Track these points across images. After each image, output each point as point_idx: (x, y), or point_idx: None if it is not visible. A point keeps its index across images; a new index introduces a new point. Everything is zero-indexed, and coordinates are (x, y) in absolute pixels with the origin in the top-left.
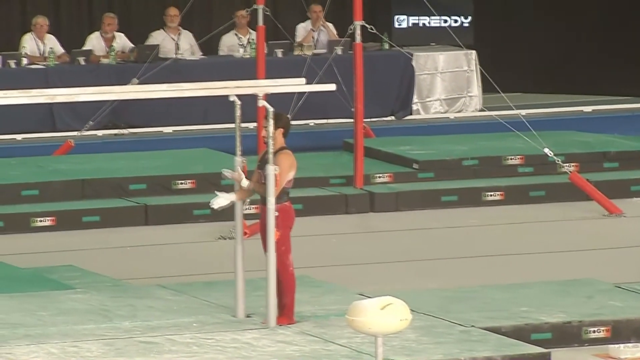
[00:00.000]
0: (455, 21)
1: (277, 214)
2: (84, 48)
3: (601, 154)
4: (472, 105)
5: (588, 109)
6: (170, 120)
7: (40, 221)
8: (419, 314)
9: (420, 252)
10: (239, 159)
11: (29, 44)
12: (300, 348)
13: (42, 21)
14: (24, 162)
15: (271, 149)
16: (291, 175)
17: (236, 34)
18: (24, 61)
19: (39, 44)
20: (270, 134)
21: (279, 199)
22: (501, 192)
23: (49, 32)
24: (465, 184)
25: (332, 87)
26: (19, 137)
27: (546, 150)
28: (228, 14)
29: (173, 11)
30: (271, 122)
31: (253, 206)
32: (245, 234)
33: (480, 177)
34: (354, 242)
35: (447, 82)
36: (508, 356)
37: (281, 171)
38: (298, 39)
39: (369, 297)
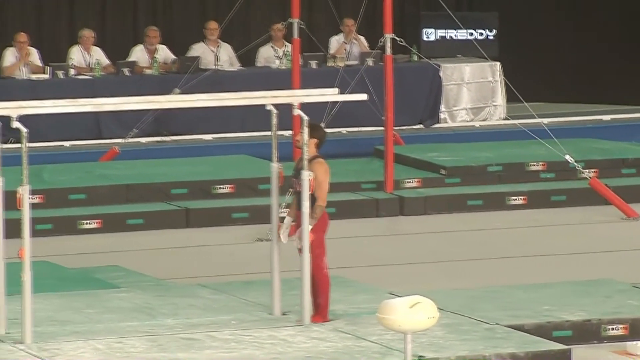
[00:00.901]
0: (481, 34)
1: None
2: (129, 59)
3: (619, 160)
4: (496, 114)
5: (607, 117)
6: (210, 128)
7: (87, 224)
8: (446, 312)
9: (447, 254)
10: (275, 165)
11: (76, 55)
12: (334, 344)
13: (88, 34)
14: (72, 167)
15: (305, 156)
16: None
17: (273, 46)
18: (72, 72)
19: (85, 56)
20: (305, 142)
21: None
22: (524, 197)
23: (95, 45)
24: (490, 189)
25: (363, 96)
26: (67, 144)
27: (567, 157)
28: (265, 27)
29: (213, 25)
30: (306, 130)
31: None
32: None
33: (504, 183)
34: (385, 244)
35: (473, 92)
36: (531, 353)
37: (320, 180)
38: (331, 51)
39: (399, 296)
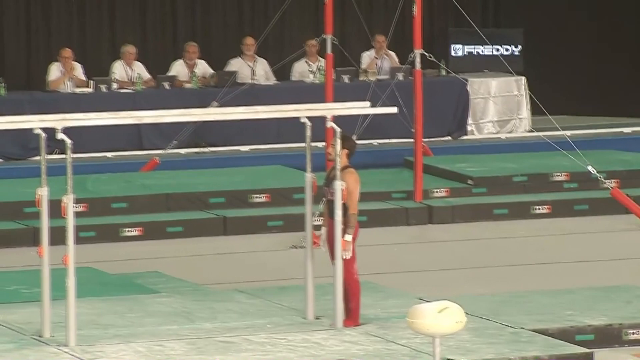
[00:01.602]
0: (507, 50)
1: (349, 238)
2: (169, 74)
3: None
4: (521, 126)
5: (628, 130)
6: (247, 139)
7: (129, 231)
8: (473, 316)
9: (473, 261)
10: (309, 175)
11: (118, 70)
12: (365, 347)
13: (130, 49)
14: (114, 177)
15: (338, 166)
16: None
17: (307, 61)
18: (114, 86)
19: (127, 70)
20: (338, 152)
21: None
22: (548, 206)
23: (136, 60)
24: (515, 198)
25: (394, 110)
26: (109, 154)
27: (589, 167)
28: (299, 43)
29: (250, 40)
30: (338, 141)
31: (322, 218)
32: (314, 243)
33: (529, 192)
34: (414, 251)
35: (499, 105)
36: (554, 356)
37: (351, 189)
38: (363, 65)
39: (428, 301)
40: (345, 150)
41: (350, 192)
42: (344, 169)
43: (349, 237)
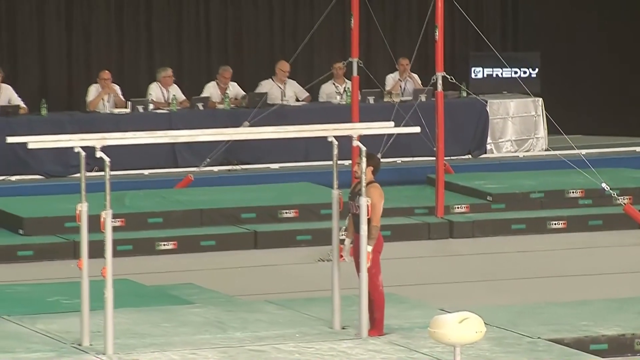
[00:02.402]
0: (525, 72)
1: (370, 248)
2: (202, 95)
3: None
4: (538, 145)
5: (639, 149)
6: (276, 157)
7: (164, 245)
8: (492, 327)
9: (492, 273)
10: (335, 192)
11: (155, 91)
12: (389, 356)
13: (168, 73)
14: (150, 194)
15: (364, 183)
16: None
17: (334, 83)
18: (150, 106)
19: (163, 92)
20: (364, 170)
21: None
22: (564, 221)
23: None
24: (532, 214)
25: (416, 129)
26: (146, 172)
27: (603, 185)
28: (327, 66)
29: (286, 67)
30: (364, 159)
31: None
32: (341, 257)
33: (545, 208)
34: (435, 264)
35: (517, 125)
36: None
37: (375, 202)
38: (387, 87)
39: (449, 312)
40: (371, 168)
41: (374, 205)
42: (368, 183)
43: (369, 248)
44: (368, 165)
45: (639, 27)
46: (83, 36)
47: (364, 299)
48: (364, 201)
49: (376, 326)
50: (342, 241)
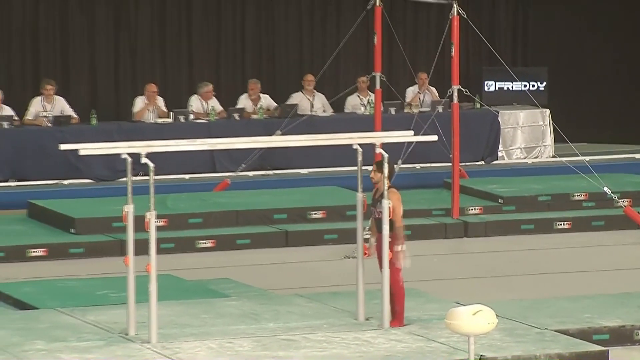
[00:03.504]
0: (533, 86)
1: (401, 248)
2: (237, 106)
3: None
4: (546, 152)
5: (639, 156)
6: (306, 163)
7: (203, 243)
8: (503, 318)
9: (504, 270)
10: (360, 195)
11: (195, 103)
12: (408, 345)
13: (208, 88)
14: (191, 196)
15: (385, 187)
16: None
17: (358, 96)
18: (191, 117)
19: (203, 104)
20: (385, 175)
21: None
22: (569, 222)
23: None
24: (540, 215)
25: (434, 138)
26: (186, 176)
27: (605, 188)
28: (352, 79)
29: (310, 77)
30: (386, 165)
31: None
32: (365, 254)
33: (552, 210)
34: (451, 262)
35: (526, 134)
36: (574, 353)
37: (395, 205)
38: (407, 99)
39: (463, 305)
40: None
41: (394, 208)
42: (387, 189)
43: (399, 248)
44: (383, 172)
45: (639, 55)
46: (129, 52)
47: (386, 293)
48: (386, 204)
49: (397, 318)
50: (366, 240)
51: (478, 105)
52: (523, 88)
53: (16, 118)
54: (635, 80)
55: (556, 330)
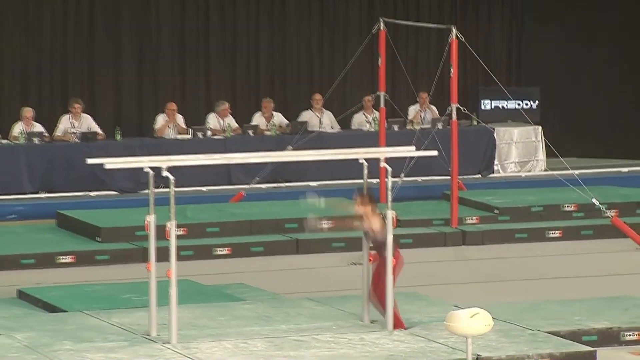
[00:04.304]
0: (526, 104)
1: (394, 263)
2: (252, 123)
3: (635, 203)
4: (538, 166)
5: (625, 169)
6: (315, 176)
7: (220, 251)
8: (499, 321)
9: (499, 275)
10: None
11: (212, 121)
12: (410, 345)
13: (225, 106)
14: (208, 207)
15: (389, 198)
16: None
17: (364, 114)
18: (208, 133)
19: (220, 121)
20: (390, 188)
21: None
22: (560, 231)
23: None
24: (533, 224)
25: (434, 153)
26: (204, 188)
27: (594, 200)
28: (358, 98)
29: (318, 96)
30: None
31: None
32: (370, 260)
33: (544, 220)
34: (450, 268)
35: (520, 149)
36: (565, 353)
37: (380, 228)
38: (409, 117)
39: (462, 308)
40: (373, 205)
41: (379, 230)
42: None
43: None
44: (371, 202)
45: (624, 71)
46: (151, 73)
47: (390, 299)
48: (389, 214)
49: (397, 322)
50: (372, 247)
51: (475, 123)
52: (517, 106)
53: (46, 134)
54: (621, 99)
55: (548, 332)
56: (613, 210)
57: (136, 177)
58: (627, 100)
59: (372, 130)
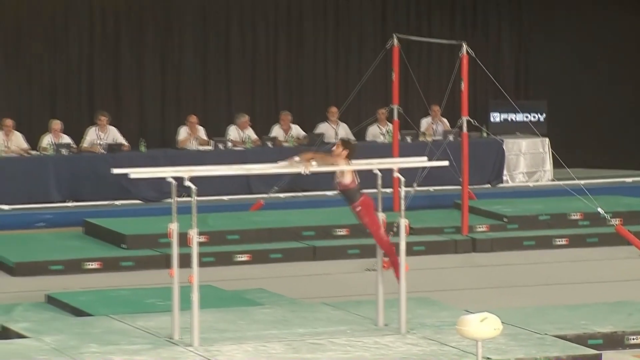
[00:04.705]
0: (534, 117)
1: (359, 208)
2: (271, 135)
3: (638, 212)
4: (545, 176)
5: (629, 180)
6: (332, 185)
7: (240, 257)
8: (508, 325)
9: (508, 281)
10: (380, 215)
11: (232, 133)
12: (423, 348)
13: (245, 119)
14: (229, 215)
15: (403, 207)
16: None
17: (378, 126)
18: (229, 145)
19: (240, 133)
20: (402, 197)
21: (356, 195)
22: (566, 239)
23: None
24: (540, 232)
25: (445, 163)
26: (225, 198)
27: (599, 209)
28: (372, 111)
29: (333, 109)
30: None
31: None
32: (384, 267)
33: (551, 228)
34: (461, 274)
35: (528, 160)
36: (571, 356)
37: (346, 173)
38: (422, 129)
39: (472, 313)
40: (346, 152)
41: (346, 175)
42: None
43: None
44: (344, 149)
45: (627, 86)
46: (174, 87)
47: (403, 302)
48: (402, 222)
49: (397, 268)
50: (385, 255)
51: (485, 135)
52: (525, 119)
53: (74, 146)
54: (625, 113)
55: (555, 336)
56: (617, 219)
57: (160, 187)
58: (631, 113)
59: (386, 141)
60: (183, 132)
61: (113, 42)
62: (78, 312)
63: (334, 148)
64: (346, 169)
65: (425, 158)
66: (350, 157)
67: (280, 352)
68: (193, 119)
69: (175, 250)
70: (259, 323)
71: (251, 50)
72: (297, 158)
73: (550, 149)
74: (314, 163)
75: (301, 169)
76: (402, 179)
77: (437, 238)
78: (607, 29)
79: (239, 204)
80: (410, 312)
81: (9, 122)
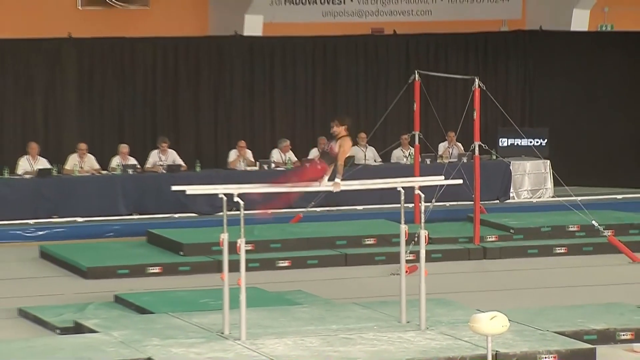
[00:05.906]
0: (537, 142)
1: (337, 180)
2: (309, 157)
3: (628, 225)
4: (547, 194)
5: (620, 196)
6: (361, 201)
7: (281, 263)
8: (514, 322)
9: (514, 285)
10: (402, 226)
11: (275, 155)
12: (440, 342)
13: (287, 144)
14: (272, 227)
15: (423, 220)
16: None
17: (401, 149)
18: (272, 166)
19: (282, 155)
20: (423, 207)
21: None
22: (565, 248)
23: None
24: (542, 242)
25: (459, 182)
26: (269, 211)
27: (593, 222)
28: (396, 137)
29: (363, 135)
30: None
31: (411, 254)
32: (406, 272)
33: (552, 238)
34: (473, 278)
35: (532, 179)
36: (569, 350)
37: (345, 149)
38: (439, 152)
39: (483, 312)
40: (345, 126)
41: (344, 151)
42: (343, 136)
43: (339, 180)
44: (342, 124)
45: (620, 116)
46: (225, 115)
47: (423, 302)
48: (422, 234)
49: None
50: (409, 261)
51: (494, 157)
52: (529, 144)
53: (139, 166)
54: (616, 138)
55: (555, 332)
56: (609, 231)
57: (213, 202)
58: (621, 139)
59: (408, 163)
60: (233, 155)
61: (173, 79)
62: (142, 311)
63: (333, 129)
64: (346, 141)
65: (442, 177)
66: (349, 128)
67: (316, 345)
68: (242, 143)
69: (225, 257)
70: (298, 320)
71: (292, 85)
72: (326, 179)
73: (551, 169)
74: (338, 181)
75: (331, 188)
76: (422, 195)
77: (453, 247)
78: (603, 66)
79: (281, 217)
80: (429, 311)
81: (83, 145)
